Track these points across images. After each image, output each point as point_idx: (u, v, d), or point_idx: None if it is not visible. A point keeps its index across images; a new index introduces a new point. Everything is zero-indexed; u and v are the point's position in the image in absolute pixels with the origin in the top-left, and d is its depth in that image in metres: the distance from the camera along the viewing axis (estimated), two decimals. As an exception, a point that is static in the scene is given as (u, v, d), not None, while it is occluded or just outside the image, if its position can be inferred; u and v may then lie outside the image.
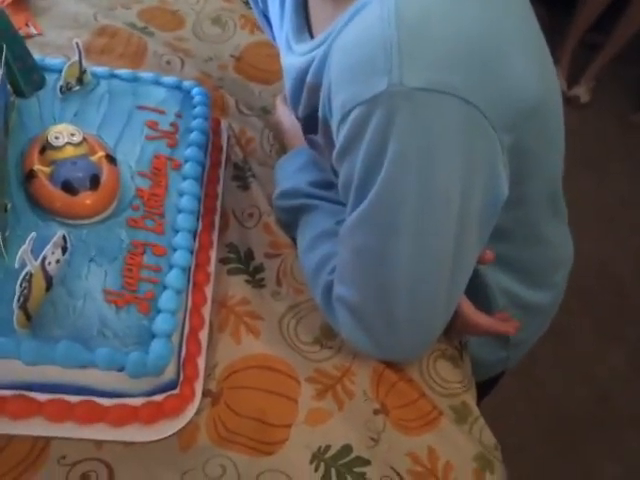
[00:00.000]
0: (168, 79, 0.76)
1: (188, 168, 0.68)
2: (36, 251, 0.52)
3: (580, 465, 1.56)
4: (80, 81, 0.72)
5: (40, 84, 0.71)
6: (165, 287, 0.58)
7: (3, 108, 0.62)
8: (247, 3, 0.99)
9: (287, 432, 0.58)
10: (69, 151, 0.62)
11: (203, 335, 0.62)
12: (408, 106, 0.48)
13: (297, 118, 0.67)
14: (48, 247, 0.54)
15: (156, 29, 0.95)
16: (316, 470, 0.57)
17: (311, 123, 0.62)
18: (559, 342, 1.76)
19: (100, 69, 0.75)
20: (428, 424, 0.61)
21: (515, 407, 1.63)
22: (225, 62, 0.93)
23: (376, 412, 0.62)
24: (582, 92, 2.49)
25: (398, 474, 0.58)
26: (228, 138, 0.81)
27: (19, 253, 0.50)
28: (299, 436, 0.58)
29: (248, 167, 0.79)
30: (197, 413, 0.58)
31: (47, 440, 0.55)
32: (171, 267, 0.60)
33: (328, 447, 0.58)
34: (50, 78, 0.71)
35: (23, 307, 0.52)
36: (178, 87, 0.76)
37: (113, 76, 0.75)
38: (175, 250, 0.61)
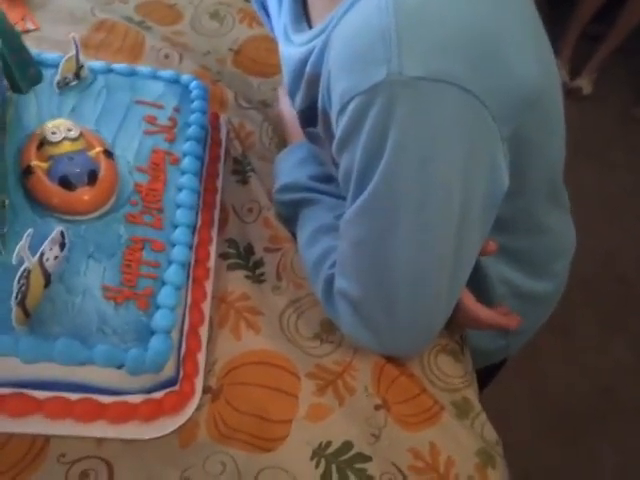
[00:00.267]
0: (166, 73, 0.75)
1: (187, 163, 0.67)
2: (34, 247, 0.52)
3: (583, 458, 1.56)
4: (77, 76, 0.72)
5: (37, 79, 0.71)
6: (164, 283, 0.58)
7: (0, 104, 0.61)
8: (246, -5, 0.99)
9: (287, 428, 0.58)
10: (66, 146, 0.62)
11: (203, 331, 0.62)
12: (408, 95, 0.47)
13: (296, 110, 0.67)
14: (46, 243, 0.53)
15: (153, 23, 0.94)
16: (317, 466, 0.57)
17: (310, 115, 0.61)
18: (562, 334, 1.76)
19: (97, 64, 0.74)
20: (429, 419, 0.61)
21: (518, 400, 1.63)
22: (224, 56, 0.92)
23: (377, 407, 0.61)
24: (584, 84, 2.48)
25: (399, 470, 0.58)
26: (227, 132, 0.81)
27: (16, 249, 0.50)
28: (299, 432, 0.58)
29: (247, 161, 0.78)
30: (197, 410, 0.58)
31: (46, 438, 0.55)
32: (170, 263, 0.60)
33: (329, 443, 0.58)
34: (47, 73, 0.71)
35: (21, 304, 0.52)
36: (176, 81, 0.75)
37: (110, 71, 0.74)
38: (174, 245, 0.61)
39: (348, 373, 0.63)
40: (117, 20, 0.92)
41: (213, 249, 0.68)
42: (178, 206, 0.64)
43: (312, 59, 0.58)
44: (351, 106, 0.50)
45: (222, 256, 0.69)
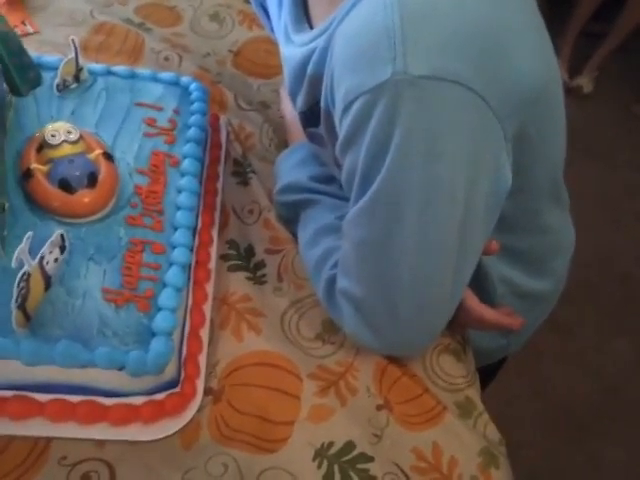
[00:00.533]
0: (165, 75, 0.75)
1: (187, 164, 0.67)
2: (34, 250, 0.52)
3: (586, 457, 1.56)
4: (77, 78, 0.72)
5: (37, 82, 0.70)
6: (165, 285, 0.58)
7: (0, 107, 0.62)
8: (245, -4, 0.99)
9: (289, 429, 0.58)
10: (66, 149, 0.61)
11: (204, 333, 0.62)
12: (413, 94, 0.47)
13: (297, 111, 0.67)
14: (46, 246, 0.53)
15: (153, 25, 0.94)
16: (319, 467, 0.56)
17: (312, 116, 0.61)
18: (564, 333, 1.76)
19: (97, 66, 0.75)
20: (432, 419, 0.61)
21: (520, 400, 1.63)
22: (223, 57, 0.93)
23: (379, 408, 0.61)
24: (585, 82, 2.48)
25: (402, 470, 0.58)
26: (227, 134, 0.81)
27: (16, 253, 0.50)
28: (302, 433, 0.58)
29: (247, 163, 0.78)
30: (199, 411, 0.57)
31: (48, 440, 0.55)
32: (170, 265, 0.60)
33: (331, 444, 0.58)
34: (47, 76, 0.71)
35: (22, 307, 0.52)
36: (176, 83, 0.75)
37: (110, 73, 0.74)
38: (174, 247, 0.61)
39: (350, 373, 0.63)
40: (117, 22, 0.92)
41: (214, 251, 0.68)
42: (178, 208, 0.64)
43: (314, 59, 0.58)
44: (355, 105, 0.50)
45: (223, 257, 0.69)
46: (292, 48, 0.62)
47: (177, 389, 0.57)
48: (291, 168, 0.73)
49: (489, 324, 0.63)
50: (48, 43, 0.87)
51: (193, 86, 0.75)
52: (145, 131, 0.69)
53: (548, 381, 1.69)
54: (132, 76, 0.75)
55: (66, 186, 0.60)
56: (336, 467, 0.57)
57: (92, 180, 0.61)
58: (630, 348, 1.79)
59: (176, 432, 0.56)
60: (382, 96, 0.48)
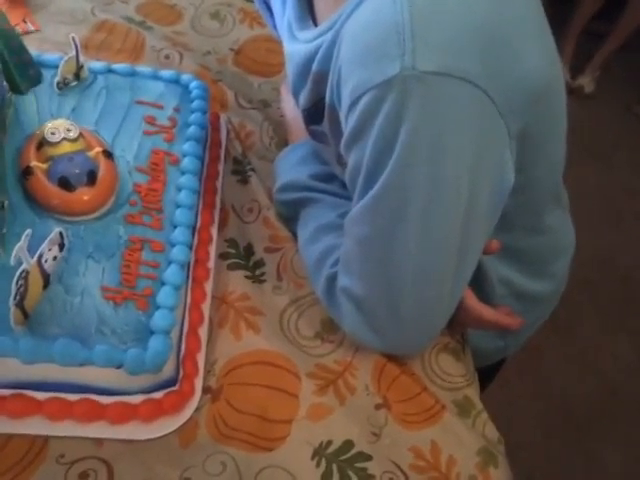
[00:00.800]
0: (166, 73, 0.75)
1: (186, 163, 0.67)
2: (33, 248, 0.52)
3: (585, 458, 1.56)
4: (77, 76, 0.72)
5: (37, 80, 0.70)
6: (163, 283, 0.58)
7: (0, 105, 0.62)
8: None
9: (288, 428, 0.58)
10: (66, 147, 0.61)
11: (203, 331, 0.62)
12: (421, 90, 0.47)
13: (300, 108, 0.66)
14: (44, 244, 0.53)
15: (154, 23, 0.94)
16: (317, 466, 0.56)
17: (315, 113, 0.61)
18: (564, 334, 1.76)
19: (97, 64, 0.74)
20: (430, 418, 0.61)
21: (520, 400, 1.63)
22: (224, 56, 0.92)
23: (378, 407, 0.61)
24: (586, 82, 2.47)
25: (400, 469, 0.58)
26: (227, 132, 0.81)
27: (15, 250, 0.50)
28: (300, 432, 0.58)
29: (247, 161, 0.78)
30: (197, 410, 0.57)
31: (46, 439, 0.55)
32: (169, 263, 0.60)
33: (329, 442, 0.58)
34: (47, 74, 0.71)
35: (20, 305, 0.52)
36: (176, 81, 0.75)
37: (110, 71, 0.74)
38: (173, 246, 0.61)
39: (349, 372, 0.63)
40: (117, 20, 0.92)
41: (213, 249, 0.68)
42: (178, 206, 0.64)
43: (319, 56, 0.58)
44: (363, 101, 0.50)
45: (222, 256, 0.69)
46: (296, 45, 0.62)
47: (175, 388, 0.57)
48: (291, 166, 0.73)
49: (488, 323, 0.63)
50: (49, 41, 0.87)
51: (193, 84, 0.75)
52: (145, 129, 0.69)
53: (548, 381, 1.69)
54: (132, 74, 0.75)
55: (65, 184, 0.60)
56: (334, 466, 0.57)
57: (91, 178, 0.61)
58: (630, 348, 1.79)
59: (174, 431, 0.56)
60: (390, 92, 0.48)
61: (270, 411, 0.59)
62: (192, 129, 0.70)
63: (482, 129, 0.50)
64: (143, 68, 0.76)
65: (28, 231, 0.51)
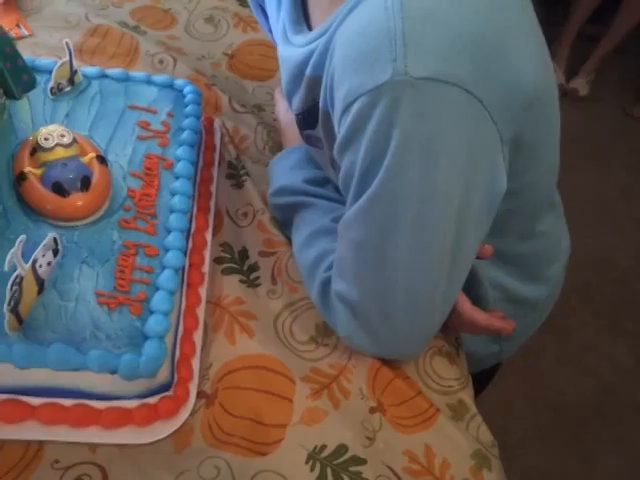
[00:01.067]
0: (160, 78, 0.76)
1: (180, 167, 0.67)
2: (28, 253, 0.52)
3: (582, 460, 1.56)
4: (71, 82, 0.72)
5: (31, 85, 0.71)
6: (157, 288, 0.58)
7: (-8, 110, 0.62)
8: None
9: (282, 432, 0.58)
10: (59, 152, 0.62)
11: (197, 336, 0.62)
12: (413, 95, 0.47)
13: (293, 112, 0.67)
14: (38, 250, 0.54)
15: (148, 28, 0.95)
16: (312, 470, 0.56)
17: (309, 117, 0.61)
18: (560, 337, 1.76)
19: (91, 69, 0.75)
20: (425, 422, 0.61)
21: (516, 403, 1.63)
22: (218, 60, 0.93)
23: (372, 410, 0.61)
24: (581, 85, 2.48)
25: (394, 473, 0.58)
26: (221, 136, 0.81)
27: (8, 256, 0.50)
28: (294, 436, 0.58)
29: (242, 165, 0.78)
30: (191, 414, 0.57)
31: (40, 444, 0.55)
32: (163, 268, 0.60)
33: (324, 447, 0.58)
34: (41, 79, 0.71)
35: (14, 310, 0.52)
36: (170, 86, 0.75)
37: (104, 76, 0.74)
38: (168, 251, 0.61)
39: (343, 376, 0.63)
40: (111, 25, 0.92)
41: (207, 254, 0.68)
42: (172, 211, 0.64)
43: (313, 61, 0.58)
44: (355, 106, 0.50)
45: (216, 260, 0.69)
46: (290, 49, 0.63)
47: (170, 392, 0.57)
48: (285, 171, 0.73)
49: (481, 328, 0.63)
50: (43, 46, 0.87)
51: (187, 89, 0.75)
52: (139, 134, 0.69)
53: (544, 383, 1.69)
54: (126, 79, 0.75)
55: (59, 189, 0.60)
56: (329, 470, 0.57)
57: (85, 183, 0.61)
58: (627, 351, 1.79)
59: (169, 435, 0.56)
60: (382, 97, 0.48)
61: (264, 415, 0.59)
62: (186, 134, 0.70)
63: (474, 134, 0.50)
64: (137, 73, 0.76)
65: (22, 237, 0.51)
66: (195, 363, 0.60)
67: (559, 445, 1.57)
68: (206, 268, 0.67)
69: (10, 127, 0.67)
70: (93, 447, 0.55)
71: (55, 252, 0.57)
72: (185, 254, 0.63)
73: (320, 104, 0.58)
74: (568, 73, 2.50)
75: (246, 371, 0.61)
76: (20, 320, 0.53)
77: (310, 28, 0.63)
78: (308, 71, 0.59)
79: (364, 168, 0.52)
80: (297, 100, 0.64)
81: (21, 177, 0.60)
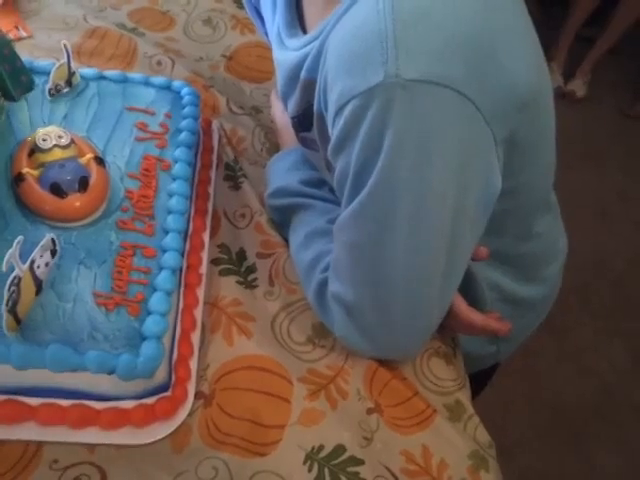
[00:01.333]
0: (157, 80, 0.76)
1: (178, 169, 0.67)
2: (26, 254, 0.52)
3: (581, 459, 1.56)
4: (69, 83, 0.72)
5: (29, 86, 0.71)
6: (155, 289, 0.58)
7: (-9, 111, 0.62)
8: (238, 1, 0.99)
9: (280, 433, 0.58)
10: (57, 153, 0.62)
11: (195, 337, 0.62)
12: (405, 97, 0.48)
13: (289, 115, 0.67)
14: (36, 250, 0.54)
15: (146, 30, 0.95)
16: (310, 470, 0.57)
17: (304, 120, 0.62)
18: (558, 337, 1.76)
19: (89, 71, 0.75)
20: (422, 422, 0.61)
21: (515, 403, 1.63)
22: (216, 62, 0.93)
23: (370, 411, 0.61)
24: (578, 86, 2.49)
25: (392, 473, 0.58)
26: (219, 138, 0.81)
27: (6, 257, 0.50)
28: (292, 436, 0.58)
29: (239, 167, 0.79)
30: (189, 415, 0.58)
31: (39, 444, 0.55)
32: (161, 269, 0.60)
33: (321, 447, 0.58)
34: (39, 81, 0.71)
35: (12, 311, 0.52)
36: (168, 87, 0.75)
37: (102, 77, 0.75)
38: (165, 252, 0.61)
39: (341, 377, 0.63)
40: (110, 27, 0.92)
41: (205, 255, 0.68)
42: (169, 212, 0.64)
43: (307, 64, 0.58)
44: (348, 108, 0.50)
45: (214, 262, 0.69)
46: (285, 52, 0.63)
47: (168, 393, 0.57)
48: (282, 172, 0.73)
49: (477, 328, 0.64)
50: (41, 47, 0.87)
51: (185, 90, 0.75)
52: (137, 135, 0.69)
53: (542, 383, 1.69)
54: (124, 80, 0.75)
55: (57, 190, 0.60)
56: (326, 470, 0.57)
57: (83, 184, 0.61)
58: (625, 351, 1.79)
59: (167, 436, 0.56)
60: (374, 99, 0.48)
61: (262, 416, 0.59)
62: (183, 135, 0.70)
63: (467, 135, 0.51)
64: (135, 75, 0.76)
65: (20, 238, 0.51)
66: (193, 364, 0.60)
67: (557, 445, 1.58)
68: (203, 269, 0.67)
69: (8, 128, 0.67)
70: (91, 447, 0.55)
71: (53, 253, 0.57)
72: (182, 255, 0.63)
73: (314, 106, 0.58)
74: (566, 75, 2.50)
75: (244, 372, 0.61)
76: (18, 321, 0.53)
77: (305, 31, 0.63)
78: (303, 74, 0.59)
79: (358, 169, 0.52)
80: (292, 103, 0.64)
81: (19, 178, 0.60)
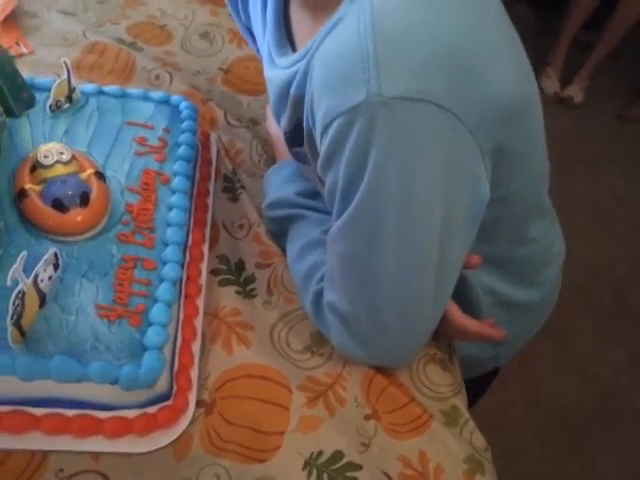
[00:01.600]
0: (156, 94, 0.77)
1: (177, 182, 0.69)
2: (29, 268, 0.53)
3: (581, 466, 1.56)
4: (69, 99, 0.74)
5: (30, 103, 0.72)
6: (156, 300, 0.59)
7: (-6, 129, 0.63)
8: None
9: (280, 439, 0.59)
10: (59, 169, 0.63)
11: (195, 346, 0.63)
12: (387, 115, 0.49)
13: (282, 130, 0.68)
14: (40, 265, 0.55)
15: (144, 44, 0.96)
16: (309, 476, 0.58)
17: (296, 136, 0.63)
18: (559, 342, 1.77)
19: (89, 86, 0.76)
20: (418, 428, 0.62)
21: (515, 409, 1.64)
22: (214, 75, 0.94)
23: (367, 417, 0.62)
24: (575, 92, 2.50)
25: (389, 478, 0.59)
26: (217, 150, 0.82)
27: (10, 272, 0.51)
28: (291, 443, 0.59)
29: (237, 178, 0.80)
30: (191, 423, 0.59)
31: (45, 453, 0.56)
32: (161, 280, 0.61)
33: (320, 453, 0.59)
34: (40, 97, 0.72)
35: (17, 324, 0.53)
36: (166, 102, 0.77)
37: (102, 93, 0.76)
38: (165, 263, 0.62)
39: (339, 384, 0.64)
40: (108, 42, 0.94)
41: (204, 266, 0.69)
42: (169, 225, 0.65)
43: (296, 82, 0.60)
44: (333, 127, 0.52)
45: (213, 272, 0.71)
46: (275, 70, 0.64)
47: (169, 402, 0.58)
48: (279, 184, 0.74)
49: (471, 334, 0.65)
50: (42, 63, 0.88)
51: (183, 105, 0.77)
52: (136, 150, 0.71)
53: (543, 388, 1.70)
54: (123, 95, 0.76)
55: (59, 205, 0.61)
56: (325, 475, 0.58)
57: (84, 199, 0.62)
58: (625, 355, 1.80)
59: (169, 444, 0.57)
60: (357, 117, 0.50)
61: (262, 423, 0.60)
62: (182, 149, 0.72)
63: (451, 148, 0.52)
64: (133, 90, 0.77)
65: (24, 253, 0.52)
66: (194, 373, 0.61)
67: (558, 450, 1.58)
68: (203, 280, 0.68)
69: (10, 144, 0.68)
70: (96, 456, 0.57)
71: (56, 267, 0.58)
72: (182, 267, 0.65)
73: (304, 123, 0.60)
74: (563, 80, 2.51)
75: (243, 380, 0.63)
76: (23, 333, 0.54)
77: (295, 49, 0.65)
78: (292, 92, 0.61)
79: (345, 185, 0.54)
80: (284, 119, 0.65)
81: (22, 194, 0.62)
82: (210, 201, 0.76)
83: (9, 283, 0.52)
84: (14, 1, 0.94)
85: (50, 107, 0.72)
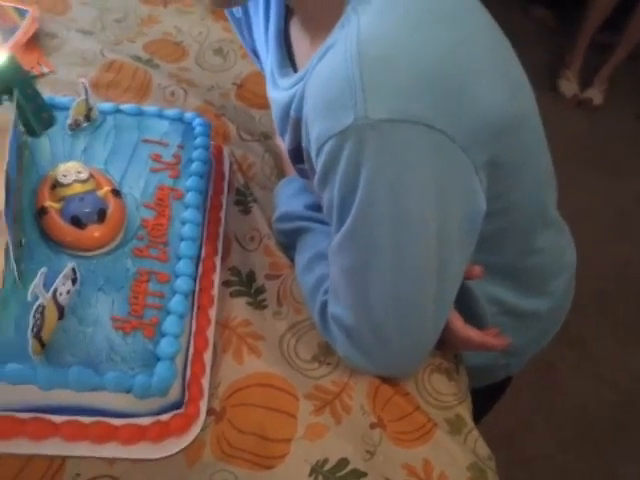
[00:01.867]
0: (170, 112, 0.80)
1: (190, 197, 0.71)
2: (49, 282, 0.56)
3: (601, 473, 1.55)
4: (88, 118, 0.77)
5: (50, 122, 0.75)
6: (169, 312, 0.62)
7: (16, 149, 0.66)
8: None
9: (287, 447, 0.61)
10: (77, 188, 0.66)
11: (207, 356, 0.65)
12: (375, 137, 0.51)
13: (286, 148, 0.71)
14: (59, 279, 0.58)
15: (160, 61, 0.99)
16: (315, 483, 0.60)
17: (299, 154, 0.65)
18: (578, 348, 1.74)
19: (106, 105, 0.79)
20: (423, 436, 0.64)
21: (534, 415, 1.63)
22: (227, 90, 0.97)
23: (372, 426, 0.64)
24: (595, 94, 2.48)
25: (394, 485, 0.61)
26: (230, 164, 0.85)
27: (31, 287, 0.54)
28: (298, 450, 0.61)
29: (249, 192, 0.82)
30: (202, 430, 0.61)
31: (63, 459, 0.59)
32: (174, 293, 0.64)
33: (326, 460, 0.61)
34: (60, 116, 0.75)
35: (37, 336, 0.56)
36: (180, 119, 0.79)
37: (118, 111, 0.79)
38: (178, 277, 0.65)
39: (345, 393, 0.66)
40: (125, 60, 0.97)
41: (217, 278, 0.72)
42: (182, 239, 0.68)
43: (294, 104, 0.62)
44: (325, 148, 0.54)
45: (225, 284, 0.73)
46: (278, 91, 0.67)
47: (182, 410, 0.61)
48: (287, 197, 0.77)
49: (475, 344, 0.66)
50: (62, 82, 0.91)
51: (196, 121, 0.79)
52: (151, 166, 0.74)
53: (563, 395, 1.69)
54: (139, 113, 0.79)
55: (77, 222, 0.64)
56: (331, 482, 0.60)
57: (101, 216, 0.65)
58: (646, 360, 1.79)
59: (181, 450, 0.60)
60: (347, 140, 0.52)
61: (270, 431, 0.62)
62: (195, 165, 0.74)
63: (442, 165, 0.54)
64: (149, 107, 0.80)
65: (43, 269, 0.55)
66: (205, 382, 0.64)
67: (580, 458, 1.57)
68: (215, 291, 0.70)
69: (31, 163, 0.71)
70: (111, 461, 0.59)
71: (74, 281, 0.61)
72: (195, 279, 0.67)
73: (303, 143, 0.62)
74: (582, 82, 2.50)
75: (253, 389, 0.65)
76: (43, 345, 0.57)
77: (295, 69, 0.67)
78: (292, 113, 0.64)
79: (339, 203, 0.56)
80: (287, 138, 0.68)
81: (42, 211, 0.65)
82: (223, 214, 0.78)
83: (30, 298, 0.54)
84: (35, 24, 0.97)
85: (70, 126, 0.75)
